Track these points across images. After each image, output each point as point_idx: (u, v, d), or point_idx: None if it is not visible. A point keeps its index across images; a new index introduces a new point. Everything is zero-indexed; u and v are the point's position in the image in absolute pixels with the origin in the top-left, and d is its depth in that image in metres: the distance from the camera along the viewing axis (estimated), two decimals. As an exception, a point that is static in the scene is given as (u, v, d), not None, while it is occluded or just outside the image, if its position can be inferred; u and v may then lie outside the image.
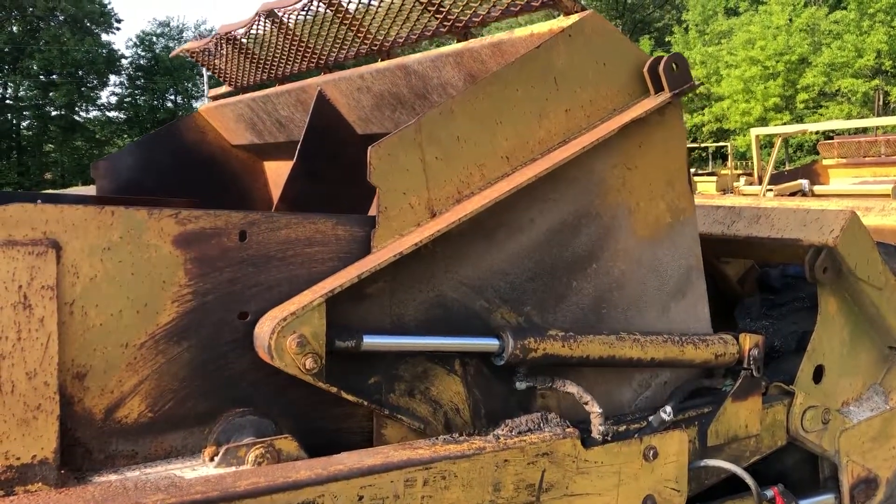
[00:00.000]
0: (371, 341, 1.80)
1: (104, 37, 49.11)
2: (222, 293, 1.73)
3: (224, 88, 3.99)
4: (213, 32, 3.76)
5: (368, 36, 2.90)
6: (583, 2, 2.13)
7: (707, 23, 41.16)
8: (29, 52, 43.76)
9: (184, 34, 53.62)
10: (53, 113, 46.45)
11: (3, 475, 1.50)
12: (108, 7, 48.69)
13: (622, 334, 2.13)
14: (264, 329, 1.68)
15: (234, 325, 1.75)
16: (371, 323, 1.85)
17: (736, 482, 2.28)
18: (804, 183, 10.62)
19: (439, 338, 1.91)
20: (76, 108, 47.47)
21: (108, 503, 1.45)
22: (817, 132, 19.51)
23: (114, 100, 51.96)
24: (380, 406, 1.85)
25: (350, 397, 1.79)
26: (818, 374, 2.57)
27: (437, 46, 2.69)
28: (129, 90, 51.91)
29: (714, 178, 18.65)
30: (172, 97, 53.16)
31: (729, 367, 2.38)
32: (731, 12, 41.48)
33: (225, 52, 3.70)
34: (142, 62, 52.23)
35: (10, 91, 45.44)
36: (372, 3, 2.77)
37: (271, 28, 3.24)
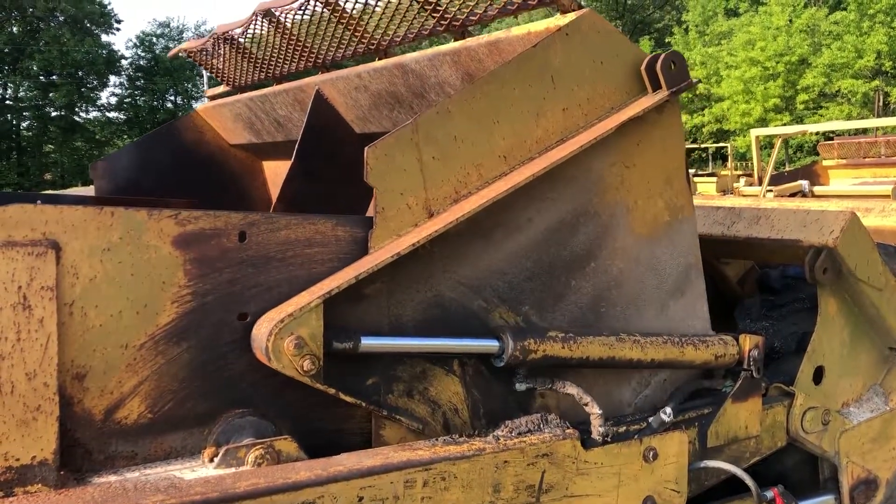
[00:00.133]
0: (369, 343, 1.79)
1: (104, 37, 49.19)
2: (222, 294, 1.72)
3: (222, 88, 3.99)
4: (211, 32, 3.77)
5: (366, 35, 2.90)
6: (582, 2, 2.12)
7: (707, 23, 41.18)
8: (29, 53, 43.77)
9: (184, 35, 53.63)
10: (53, 113, 46.47)
11: (2, 476, 1.49)
12: (108, 8, 48.74)
13: (622, 335, 2.12)
14: (262, 331, 1.68)
15: (234, 325, 1.74)
16: (369, 323, 1.85)
17: (736, 483, 2.28)
18: (804, 184, 10.63)
19: (438, 339, 1.91)
20: (76, 109, 47.47)
21: (107, 504, 1.45)
22: (817, 133, 19.51)
23: (114, 100, 52.02)
24: (378, 407, 1.85)
25: (348, 398, 1.78)
26: (818, 375, 2.57)
27: (435, 45, 2.69)
28: (128, 91, 51.93)
29: (714, 179, 18.68)
30: (172, 98, 53.18)
31: (729, 368, 2.38)
32: (731, 13, 41.51)
33: (222, 52, 3.70)
34: (142, 63, 52.24)
35: (9, 92, 45.46)
36: (369, 2, 2.77)
37: (268, 27, 3.25)
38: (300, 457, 1.72)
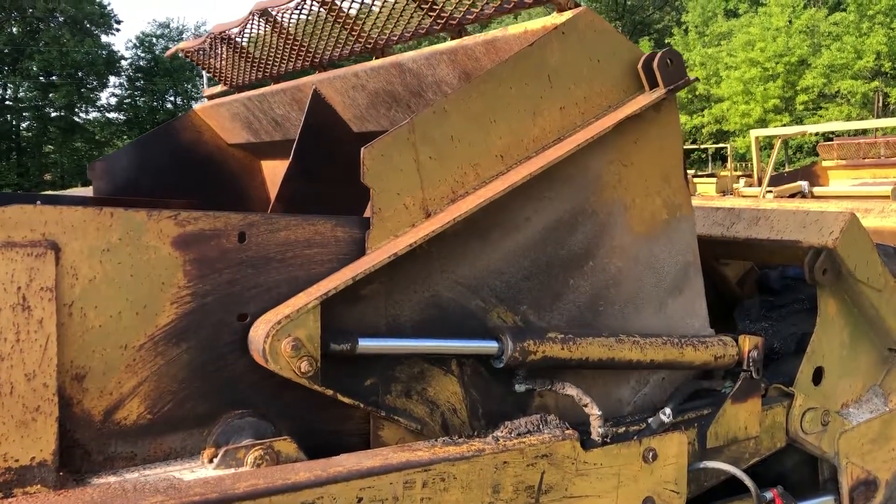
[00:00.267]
0: (367, 344, 1.79)
1: (104, 38, 49.21)
2: (221, 295, 1.72)
3: (219, 88, 3.99)
4: (208, 31, 3.77)
5: (363, 34, 2.90)
6: (580, 2, 2.12)
7: (707, 24, 41.18)
8: (29, 54, 43.76)
9: (183, 35, 53.62)
10: (53, 114, 46.45)
11: (1, 477, 1.49)
12: (108, 8, 48.74)
13: (621, 336, 2.12)
14: (259, 332, 1.68)
15: (233, 326, 1.74)
16: (367, 324, 1.85)
17: (735, 484, 2.28)
18: (804, 184, 10.63)
19: (437, 340, 1.91)
20: (76, 110, 47.46)
21: (106, 505, 1.45)
22: (817, 134, 19.52)
23: (113, 101, 52.01)
24: (376, 408, 1.85)
25: (346, 400, 1.78)
26: (818, 375, 2.57)
27: (432, 44, 2.69)
28: (128, 91, 51.93)
29: (714, 180, 18.68)
30: (172, 98, 53.18)
31: (728, 369, 2.38)
32: (731, 14, 41.52)
33: (220, 52, 3.70)
34: (141, 63, 52.24)
35: (9, 92, 45.45)
36: (366, 1, 2.77)
37: (265, 27, 3.25)
38: (299, 457, 1.71)
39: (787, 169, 15.50)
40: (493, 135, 1.97)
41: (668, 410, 2.11)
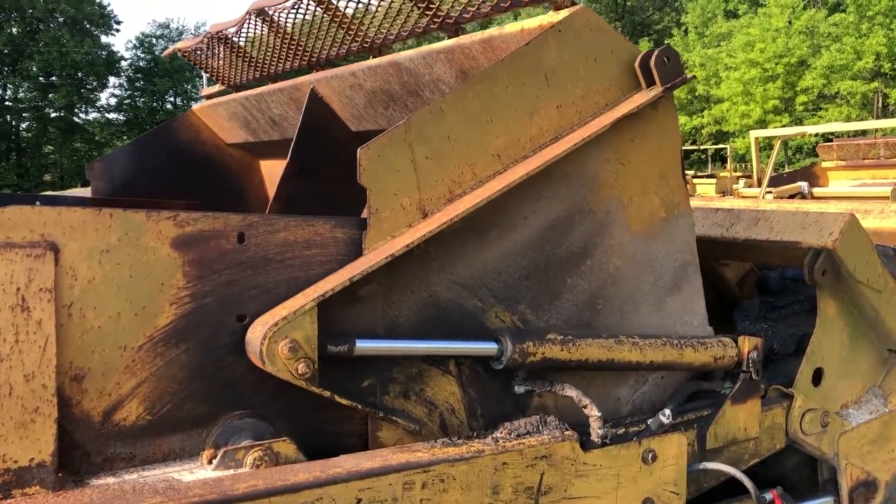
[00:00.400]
0: (364, 346, 1.78)
1: (104, 38, 49.21)
2: (220, 295, 1.72)
3: (217, 87, 3.99)
4: (205, 31, 3.77)
5: (360, 33, 2.90)
6: (580, 2, 2.12)
7: (706, 25, 41.21)
8: (28, 54, 43.75)
9: (183, 36, 53.57)
10: (53, 114, 46.42)
11: (0, 478, 1.49)
12: (108, 9, 48.70)
13: (621, 338, 2.12)
14: (256, 334, 1.68)
15: (232, 327, 1.74)
16: (364, 325, 1.84)
17: (735, 485, 2.28)
18: (803, 185, 10.63)
19: (436, 342, 1.90)
20: (75, 110, 47.44)
21: (105, 506, 1.44)
22: (816, 134, 19.53)
23: (113, 101, 52.00)
24: (374, 409, 1.85)
25: (344, 401, 1.78)
26: (817, 376, 2.57)
27: (429, 42, 2.69)
28: (128, 92, 51.91)
29: (713, 181, 18.68)
30: (172, 99, 53.16)
31: (728, 370, 2.38)
32: (731, 15, 41.53)
33: (217, 51, 3.71)
34: (141, 64, 52.23)
35: (9, 93, 45.43)
36: (362, 0, 2.77)
37: (262, 26, 3.25)
38: (299, 458, 1.71)
39: (786, 170, 15.50)
40: (490, 134, 1.97)
41: (667, 411, 2.11)
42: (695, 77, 2.46)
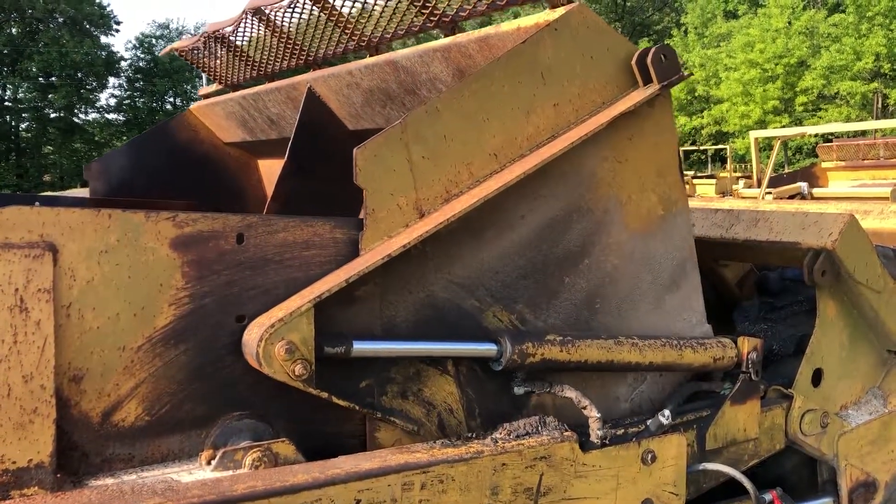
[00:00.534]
0: (361, 347, 1.78)
1: (103, 39, 49.14)
2: (219, 296, 1.72)
3: (215, 86, 3.99)
4: (202, 31, 3.77)
5: (357, 32, 2.90)
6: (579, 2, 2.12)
7: (706, 25, 41.20)
8: (28, 54, 43.73)
9: (183, 36, 53.54)
10: (52, 115, 46.37)
11: (-1, 479, 1.49)
12: (108, 9, 48.68)
13: (620, 339, 2.12)
14: (252, 336, 1.67)
15: (231, 328, 1.74)
16: (361, 325, 1.84)
17: (734, 486, 2.28)
18: (803, 186, 10.61)
19: (435, 343, 1.90)
20: (75, 111, 47.39)
21: (104, 507, 1.44)
22: (816, 135, 19.53)
23: (113, 102, 51.93)
24: (372, 409, 1.84)
25: (341, 402, 1.78)
26: (817, 377, 2.57)
27: (426, 41, 2.69)
28: (128, 92, 51.87)
29: (713, 181, 18.66)
30: (171, 99, 53.13)
31: (728, 371, 2.38)
32: (730, 15, 41.54)
33: (214, 51, 3.71)
34: (141, 64, 52.20)
35: (8, 93, 45.41)
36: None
37: (259, 26, 3.25)
38: (298, 459, 1.71)
39: (786, 170, 15.50)
40: (487, 133, 1.97)
41: (666, 412, 2.11)
42: (692, 74, 2.46)
